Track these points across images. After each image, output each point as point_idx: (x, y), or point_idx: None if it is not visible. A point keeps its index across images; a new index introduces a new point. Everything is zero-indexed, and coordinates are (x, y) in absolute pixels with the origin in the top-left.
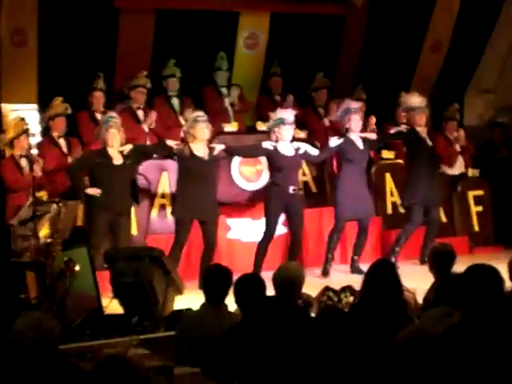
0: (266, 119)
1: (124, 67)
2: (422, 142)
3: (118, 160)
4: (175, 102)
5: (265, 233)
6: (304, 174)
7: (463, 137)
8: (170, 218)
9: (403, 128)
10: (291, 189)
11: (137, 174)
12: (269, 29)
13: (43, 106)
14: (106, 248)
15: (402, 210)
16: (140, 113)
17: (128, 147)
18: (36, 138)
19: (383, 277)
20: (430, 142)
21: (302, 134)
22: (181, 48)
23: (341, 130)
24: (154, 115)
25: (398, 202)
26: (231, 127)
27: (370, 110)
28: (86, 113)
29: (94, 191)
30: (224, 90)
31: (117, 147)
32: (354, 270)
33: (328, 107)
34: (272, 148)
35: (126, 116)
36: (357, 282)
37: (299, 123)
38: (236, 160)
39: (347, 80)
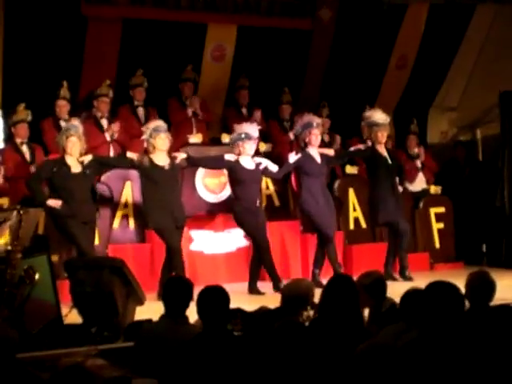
0: (231, 131)
1: (90, 76)
2: (380, 160)
3: (76, 168)
4: (140, 111)
5: (260, 248)
6: (267, 188)
7: (423, 153)
8: (132, 228)
9: (362, 146)
10: (258, 202)
11: (95, 183)
12: (235, 41)
13: (7, 113)
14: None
15: (364, 226)
16: (104, 121)
17: (88, 158)
18: None
19: (341, 291)
20: (389, 161)
21: (265, 147)
22: (147, 58)
23: (300, 144)
24: (116, 126)
25: (361, 217)
26: (196, 139)
27: (335, 126)
28: (51, 120)
29: (54, 203)
30: (188, 102)
31: (76, 156)
32: (315, 283)
33: (293, 121)
34: (234, 161)
35: (89, 124)
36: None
37: (264, 136)
38: (200, 172)
39: (313, 94)
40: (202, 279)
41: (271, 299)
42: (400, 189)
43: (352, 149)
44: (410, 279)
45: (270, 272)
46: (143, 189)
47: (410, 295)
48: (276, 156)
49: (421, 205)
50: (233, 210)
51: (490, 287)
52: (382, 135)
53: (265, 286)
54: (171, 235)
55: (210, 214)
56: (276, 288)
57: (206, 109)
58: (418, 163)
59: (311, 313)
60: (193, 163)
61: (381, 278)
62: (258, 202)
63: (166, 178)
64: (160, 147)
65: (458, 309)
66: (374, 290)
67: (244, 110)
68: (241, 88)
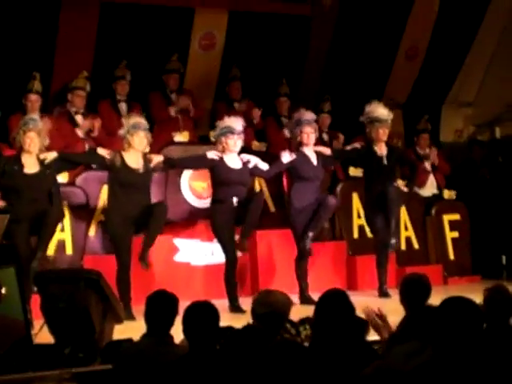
0: None
1: (63, 67)
2: (375, 160)
3: (32, 168)
4: (123, 107)
5: (226, 259)
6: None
7: (435, 155)
8: None
9: (358, 144)
10: (235, 201)
11: (56, 183)
12: (227, 28)
13: None
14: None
15: (369, 235)
16: (79, 117)
17: (52, 155)
18: None
19: (334, 308)
20: (385, 161)
21: (258, 146)
22: (128, 48)
23: (293, 144)
24: (97, 123)
25: (366, 224)
26: (182, 137)
27: (338, 123)
28: (20, 116)
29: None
30: (174, 96)
31: (35, 153)
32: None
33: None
34: (217, 158)
35: (62, 121)
36: None
37: (260, 135)
38: (186, 174)
39: (313, 87)
40: (189, 294)
41: None
42: (405, 189)
43: (348, 147)
44: (385, 295)
45: (229, 291)
46: (110, 190)
47: (423, 312)
48: (271, 156)
49: (433, 211)
50: (210, 214)
51: (510, 303)
52: (384, 132)
53: None
54: (124, 247)
55: (197, 221)
56: (232, 309)
57: (195, 105)
58: (427, 165)
59: (310, 332)
60: (171, 165)
61: (419, 281)
62: (235, 200)
63: (137, 182)
64: (136, 146)
65: (476, 329)
66: (406, 293)
67: (236, 105)
68: (232, 80)
